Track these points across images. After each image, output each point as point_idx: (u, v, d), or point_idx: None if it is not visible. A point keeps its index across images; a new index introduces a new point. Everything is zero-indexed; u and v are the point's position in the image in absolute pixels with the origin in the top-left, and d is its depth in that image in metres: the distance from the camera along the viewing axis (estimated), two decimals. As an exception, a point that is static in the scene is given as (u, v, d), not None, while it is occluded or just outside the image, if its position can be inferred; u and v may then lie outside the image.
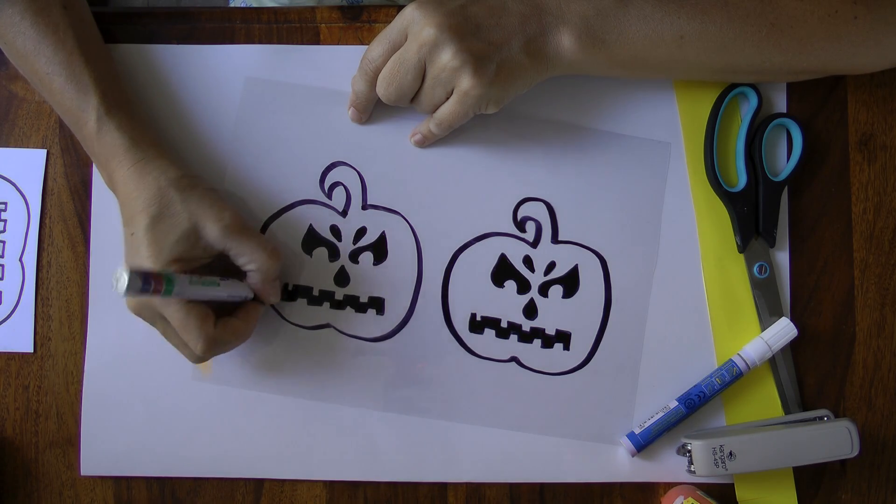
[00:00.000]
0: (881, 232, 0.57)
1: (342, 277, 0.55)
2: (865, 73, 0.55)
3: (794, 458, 0.52)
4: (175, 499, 0.55)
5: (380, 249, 0.55)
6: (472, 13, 0.48)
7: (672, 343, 0.55)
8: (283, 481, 0.55)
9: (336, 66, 0.56)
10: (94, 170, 0.56)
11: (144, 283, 0.41)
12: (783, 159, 0.57)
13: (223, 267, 0.51)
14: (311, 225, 0.55)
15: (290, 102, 0.56)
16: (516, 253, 0.55)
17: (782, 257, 0.56)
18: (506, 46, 0.49)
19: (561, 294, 0.55)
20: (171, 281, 0.43)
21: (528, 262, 0.55)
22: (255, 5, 0.66)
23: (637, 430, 0.54)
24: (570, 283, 0.55)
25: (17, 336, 0.55)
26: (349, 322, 0.55)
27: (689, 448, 0.52)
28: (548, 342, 0.55)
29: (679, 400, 0.54)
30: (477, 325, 0.55)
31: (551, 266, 0.55)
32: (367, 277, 0.55)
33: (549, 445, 0.55)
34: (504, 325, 0.55)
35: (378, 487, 0.55)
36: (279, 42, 0.56)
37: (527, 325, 0.55)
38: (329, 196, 0.55)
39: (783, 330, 0.54)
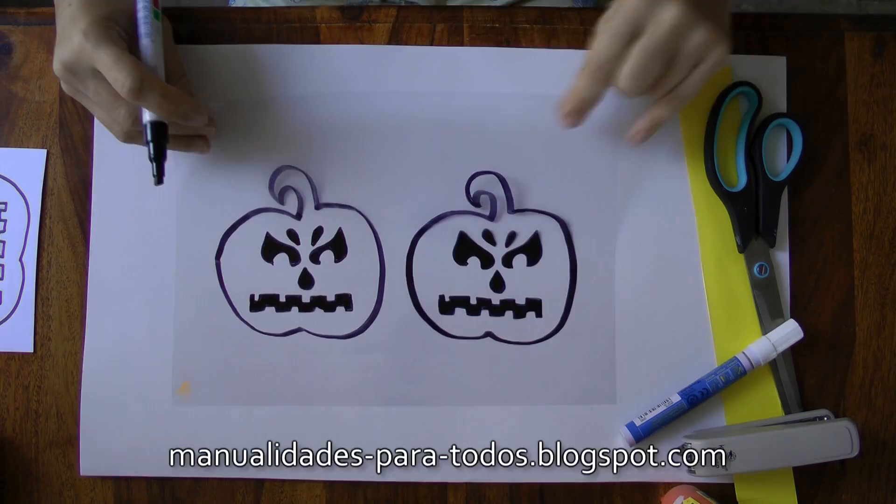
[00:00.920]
0: (881, 232, 0.57)
1: (306, 280, 0.55)
2: None
3: (794, 459, 0.53)
4: (175, 499, 0.55)
5: (339, 246, 0.55)
6: None
7: (672, 342, 0.55)
8: (283, 481, 0.55)
9: (336, 66, 0.56)
10: (94, 170, 0.56)
11: None
12: (783, 159, 0.57)
13: None
14: (267, 233, 0.55)
15: (229, 115, 0.56)
16: (475, 228, 0.56)
17: (782, 257, 0.56)
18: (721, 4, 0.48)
19: (525, 263, 0.55)
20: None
21: (487, 236, 0.55)
22: (254, 5, 0.66)
23: (638, 422, 0.54)
24: (533, 250, 0.55)
25: (17, 336, 0.55)
26: (320, 323, 0.55)
27: (689, 448, 0.52)
28: (519, 312, 0.55)
29: (681, 394, 0.54)
30: (446, 305, 0.55)
31: (512, 236, 0.55)
32: (330, 276, 0.55)
33: (550, 445, 0.55)
34: (473, 301, 0.55)
35: (378, 488, 0.55)
36: (279, 42, 0.56)
37: (496, 299, 0.55)
38: (281, 201, 0.56)
39: (790, 332, 0.54)
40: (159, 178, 0.49)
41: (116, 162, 0.56)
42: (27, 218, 0.56)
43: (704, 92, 0.56)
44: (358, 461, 0.54)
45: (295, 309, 0.55)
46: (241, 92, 0.56)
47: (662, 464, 0.55)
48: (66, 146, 0.56)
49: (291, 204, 0.56)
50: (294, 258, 0.55)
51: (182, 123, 0.50)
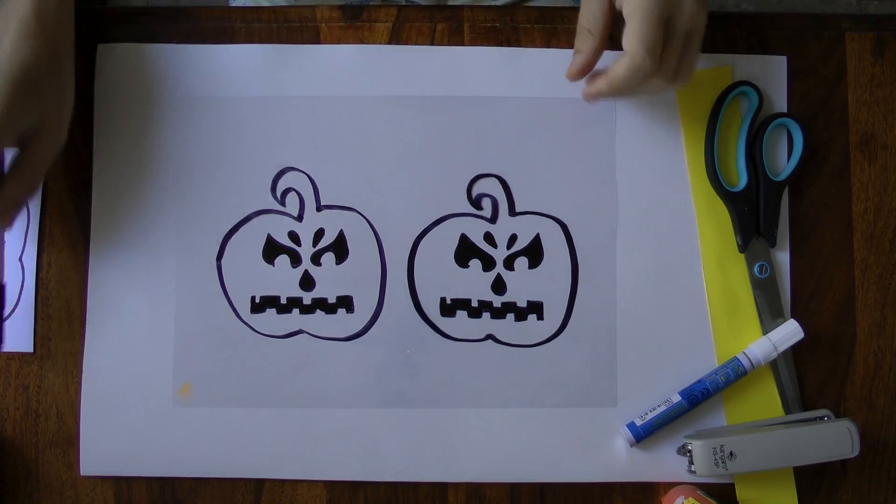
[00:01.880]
0: (882, 232, 0.57)
1: (307, 281, 0.55)
2: None
3: (794, 458, 0.52)
4: (175, 499, 0.55)
5: (340, 248, 0.55)
6: None
7: (672, 341, 0.55)
8: (284, 481, 0.55)
9: (336, 66, 0.56)
10: (95, 170, 0.56)
11: None
12: (784, 159, 0.57)
13: None
14: (268, 234, 0.55)
15: (230, 116, 0.56)
16: (476, 231, 0.56)
17: (783, 257, 0.56)
18: None
19: (526, 265, 0.55)
20: None
21: (489, 238, 0.55)
22: (254, 5, 0.66)
23: (638, 422, 0.54)
24: (534, 252, 0.55)
25: (17, 336, 0.55)
26: (321, 325, 0.55)
27: (689, 448, 0.52)
28: (521, 315, 0.55)
29: (682, 394, 0.54)
30: (448, 308, 0.55)
31: (513, 239, 0.55)
32: (331, 278, 0.55)
33: (550, 445, 0.55)
34: (475, 304, 0.55)
35: (378, 487, 0.55)
36: (279, 42, 0.56)
37: (497, 301, 0.55)
38: (282, 203, 0.55)
39: (791, 332, 0.54)
40: None
41: (116, 161, 0.56)
42: (27, 218, 0.56)
43: (705, 92, 0.56)
44: (359, 462, 0.54)
45: (296, 311, 0.55)
46: (242, 92, 0.56)
47: (663, 464, 0.55)
48: (66, 146, 0.56)
49: (292, 205, 0.56)
50: (295, 260, 0.55)
51: None
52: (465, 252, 0.55)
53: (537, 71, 0.56)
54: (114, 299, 0.55)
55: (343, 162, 0.56)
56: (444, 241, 0.55)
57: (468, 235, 0.56)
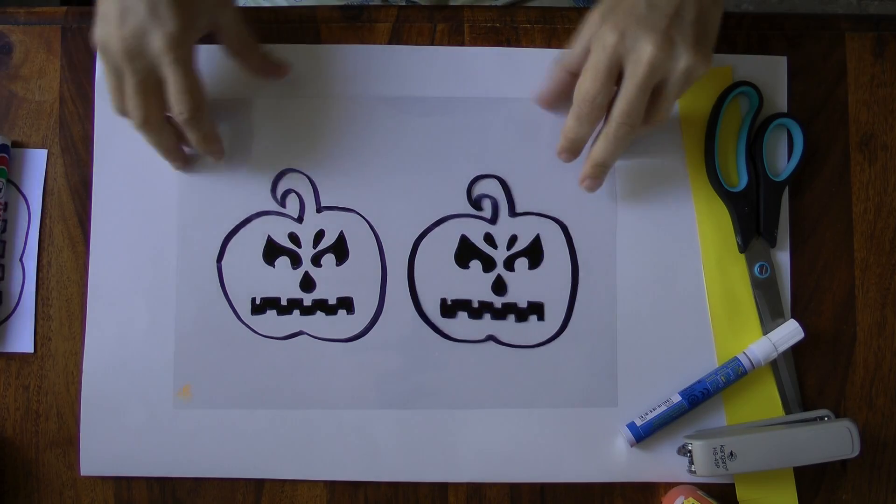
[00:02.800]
0: (882, 232, 0.57)
1: (307, 283, 0.55)
2: None
3: (794, 459, 0.52)
4: (175, 499, 0.55)
5: (340, 249, 0.55)
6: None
7: (673, 341, 0.55)
8: (284, 481, 0.55)
9: (336, 66, 0.56)
10: (94, 170, 0.56)
11: None
12: (784, 159, 0.57)
13: None
14: (269, 236, 0.55)
15: (230, 117, 0.56)
16: (476, 232, 0.56)
17: (783, 257, 0.56)
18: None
19: (527, 266, 0.55)
20: None
21: (489, 239, 0.55)
22: (255, 5, 0.66)
23: (638, 422, 0.54)
24: (535, 253, 0.55)
25: (17, 336, 0.55)
26: (321, 326, 0.55)
27: (689, 448, 0.52)
28: (522, 316, 0.55)
29: (682, 394, 0.54)
30: (448, 309, 0.55)
31: (513, 240, 0.55)
32: (332, 279, 0.55)
33: (550, 444, 0.55)
34: (475, 305, 0.55)
35: (378, 487, 0.55)
36: (279, 42, 0.56)
37: (498, 302, 0.55)
38: (282, 204, 0.56)
39: (791, 332, 0.54)
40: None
41: (116, 162, 0.56)
42: (27, 218, 0.56)
43: (705, 92, 0.56)
44: (359, 462, 0.54)
45: (296, 312, 0.55)
46: (241, 93, 0.56)
47: (663, 464, 0.55)
48: (66, 146, 0.56)
49: (293, 207, 0.56)
50: (295, 261, 0.55)
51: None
52: (466, 253, 0.55)
53: (537, 71, 0.56)
54: (114, 299, 0.55)
55: (343, 163, 0.56)
56: (444, 242, 0.55)
57: (468, 236, 0.56)
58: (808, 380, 0.56)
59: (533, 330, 0.55)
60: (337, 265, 0.55)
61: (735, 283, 0.56)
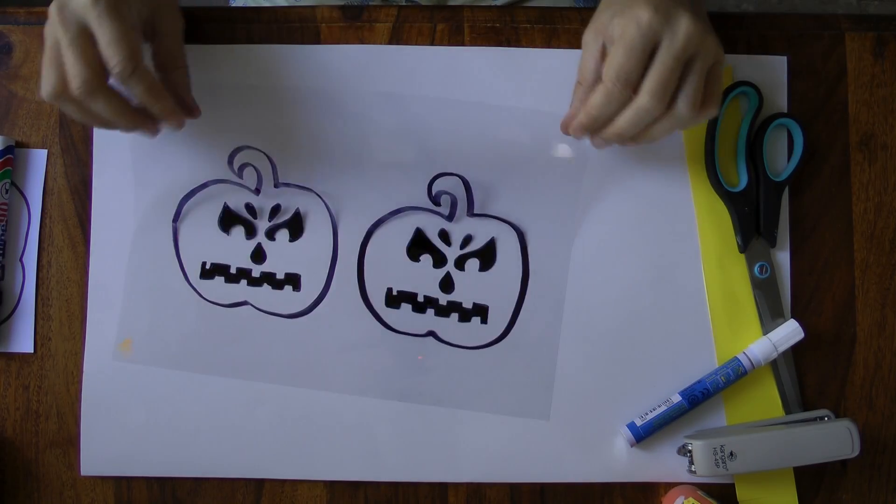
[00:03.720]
0: (882, 232, 0.57)
1: (258, 254, 0.55)
2: None
3: (794, 459, 0.52)
4: (175, 499, 0.55)
5: (295, 226, 0.55)
6: None
7: (672, 341, 0.55)
8: (284, 481, 0.55)
9: (336, 66, 0.56)
10: (94, 170, 0.56)
11: None
12: (784, 159, 0.57)
13: None
14: (225, 203, 0.55)
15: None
16: (432, 227, 0.56)
17: (783, 257, 0.56)
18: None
19: (478, 267, 0.55)
20: None
21: (444, 235, 0.56)
22: (255, 5, 0.66)
23: (638, 423, 0.54)
24: (487, 256, 0.55)
25: (18, 336, 0.55)
26: (266, 299, 0.55)
27: (689, 448, 0.52)
28: (465, 316, 0.55)
29: (682, 394, 0.54)
30: (393, 299, 0.55)
31: (468, 240, 0.55)
32: (283, 254, 0.55)
33: (550, 445, 0.55)
34: (420, 299, 0.55)
35: (378, 487, 0.55)
36: (279, 42, 0.56)
37: (443, 299, 0.55)
38: (240, 176, 0.56)
39: (791, 332, 0.54)
40: None
41: (116, 162, 0.56)
42: (27, 218, 0.56)
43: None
44: (359, 462, 0.54)
45: (244, 282, 0.55)
46: (242, 92, 0.56)
47: (663, 464, 0.55)
48: (66, 146, 0.56)
49: (250, 179, 0.56)
50: (250, 231, 0.55)
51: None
52: (418, 246, 0.55)
53: (537, 71, 0.56)
54: (113, 299, 0.55)
55: (303, 146, 0.56)
56: (398, 233, 0.56)
57: (424, 230, 0.56)
58: (808, 380, 0.56)
59: (475, 332, 0.55)
60: (290, 241, 0.55)
61: (735, 283, 0.56)
